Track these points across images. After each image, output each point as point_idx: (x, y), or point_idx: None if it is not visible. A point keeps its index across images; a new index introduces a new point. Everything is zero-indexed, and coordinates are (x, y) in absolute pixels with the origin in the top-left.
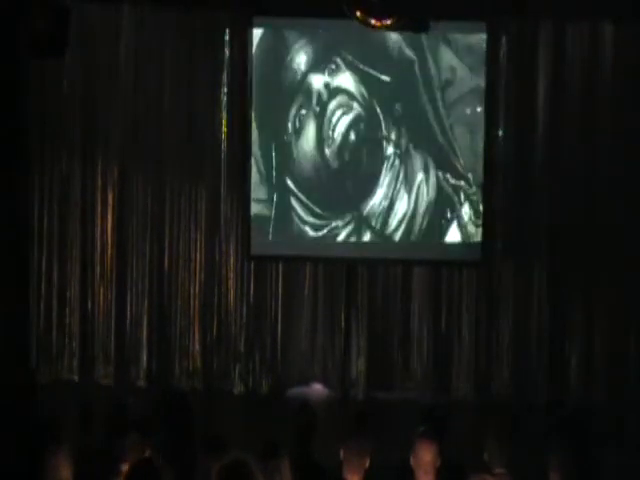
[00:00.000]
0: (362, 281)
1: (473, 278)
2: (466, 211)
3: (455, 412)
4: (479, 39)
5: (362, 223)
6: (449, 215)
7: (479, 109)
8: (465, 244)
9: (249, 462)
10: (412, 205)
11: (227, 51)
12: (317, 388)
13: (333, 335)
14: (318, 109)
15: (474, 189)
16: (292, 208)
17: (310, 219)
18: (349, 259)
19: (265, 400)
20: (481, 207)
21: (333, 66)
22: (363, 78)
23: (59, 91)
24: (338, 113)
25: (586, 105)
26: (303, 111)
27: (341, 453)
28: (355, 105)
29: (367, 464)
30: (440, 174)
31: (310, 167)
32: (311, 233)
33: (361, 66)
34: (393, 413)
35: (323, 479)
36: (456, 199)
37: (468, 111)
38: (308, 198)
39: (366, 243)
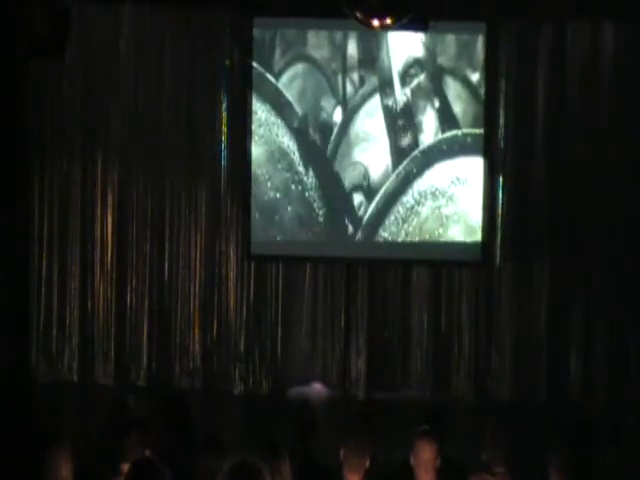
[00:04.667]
0: (362, 281)
1: (473, 278)
2: (466, 211)
3: (455, 412)
4: (479, 39)
5: (364, 221)
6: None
7: (479, 109)
8: (465, 244)
9: (259, 463)
10: (413, 205)
11: (227, 51)
12: (317, 388)
13: (333, 335)
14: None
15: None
16: (296, 206)
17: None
18: (349, 259)
19: (265, 400)
20: (481, 207)
21: (334, 67)
22: (363, 78)
23: (59, 91)
24: (337, 111)
25: (586, 105)
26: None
27: (341, 453)
28: (356, 102)
29: (367, 464)
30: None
31: (315, 163)
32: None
33: (361, 66)
34: (393, 413)
35: (323, 479)
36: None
37: (467, 111)
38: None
39: (366, 243)
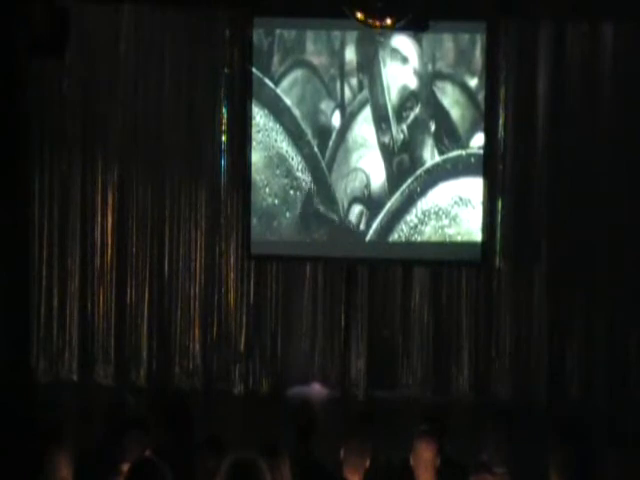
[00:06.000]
0: (362, 281)
1: (473, 278)
2: (466, 210)
3: (455, 412)
4: (478, 39)
5: (368, 239)
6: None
7: (478, 109)
8: (465, 244)
9: (258, 460)
10: (413, 205)
11: (227, 51)
12: (317, 388)
13: (333, 335)
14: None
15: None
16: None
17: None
18: (349, 259)
19: (265, 400)
20: (482, 207)
21: (332, 72)
22: (365, 77)
23: (59, 91)
24: (337, 113)
25: (586, 105)
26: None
27: (341, 453)
28: (354, 107)
29: (367, 464)
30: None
31: (313, 169)
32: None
33: (360, 71)
34: (393, 413)
35: (323, 478)
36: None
37: (467, 111)
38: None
39: (366, 243)
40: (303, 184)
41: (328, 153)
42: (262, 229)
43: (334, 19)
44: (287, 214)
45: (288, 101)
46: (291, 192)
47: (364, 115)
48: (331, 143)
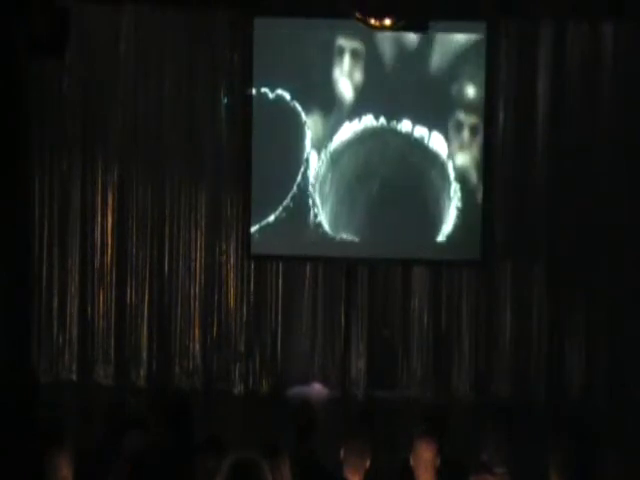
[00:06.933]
0: (362, 281)
1: (473, 278)
2: (466, 209)
3: (455, 412)
4: (479, 39)
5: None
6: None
7: (478, 109)
8: (465, 244)
9: (259, 460)
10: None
11: (227, 51)
12: (317, 388)
13: (333, 335)
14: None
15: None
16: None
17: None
18: (349, 259)
19: (265, 400)
20: (481, 207)
21: (334, 65)
22: (366, 75)
23: (59, 91)
24: (337, 112)
25: (586, 105)
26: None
27: (341, 453)
28: (356, 102)
29: (367, 464)
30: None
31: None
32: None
33: (363, 62)
34: (393, 413)
35: (323, 478)
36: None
37: (467, 112)
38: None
39: (366, 243)
40: (306, 180)
41: (330, 150)
42: (263, 225)
43: (334, 19)
44: (290, 205)
45: (289, 96)
46: (295, 189)
47: (364, 114)
48: (332, 141)
